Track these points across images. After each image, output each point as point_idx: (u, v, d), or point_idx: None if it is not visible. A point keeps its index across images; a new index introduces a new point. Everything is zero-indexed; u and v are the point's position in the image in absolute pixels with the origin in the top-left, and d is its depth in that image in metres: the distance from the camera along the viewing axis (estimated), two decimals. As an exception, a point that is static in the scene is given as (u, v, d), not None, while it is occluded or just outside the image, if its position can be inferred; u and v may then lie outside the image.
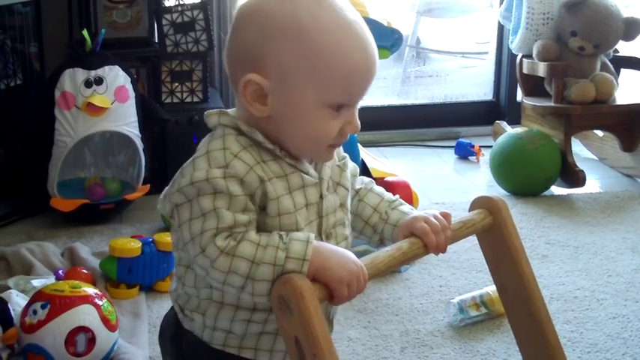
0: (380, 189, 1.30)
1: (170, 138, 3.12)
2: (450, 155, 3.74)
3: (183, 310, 1.19)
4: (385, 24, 3.00)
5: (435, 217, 1.21)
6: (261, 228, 1.11)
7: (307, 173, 1.14)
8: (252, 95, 1.10)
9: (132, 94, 2.86)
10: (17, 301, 2.09)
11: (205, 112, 1.15)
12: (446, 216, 1.23)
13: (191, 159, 1.12)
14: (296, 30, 1.07)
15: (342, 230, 1.20)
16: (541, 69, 3.28)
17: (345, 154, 1.24)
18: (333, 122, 1.10)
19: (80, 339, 1.90)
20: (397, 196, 1.31)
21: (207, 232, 1.06)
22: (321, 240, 1.15)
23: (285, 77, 1.09)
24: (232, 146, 1.09)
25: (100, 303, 1.96)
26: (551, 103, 3.27)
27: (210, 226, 1.06)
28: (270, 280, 1.06)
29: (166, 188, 1.14)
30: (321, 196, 1.16)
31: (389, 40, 2.98)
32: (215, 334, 1.16)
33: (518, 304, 1.32)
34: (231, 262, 1.06)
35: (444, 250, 1.22)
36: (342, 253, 1.10)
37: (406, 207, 1.27)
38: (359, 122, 1.12)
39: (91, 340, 1.91)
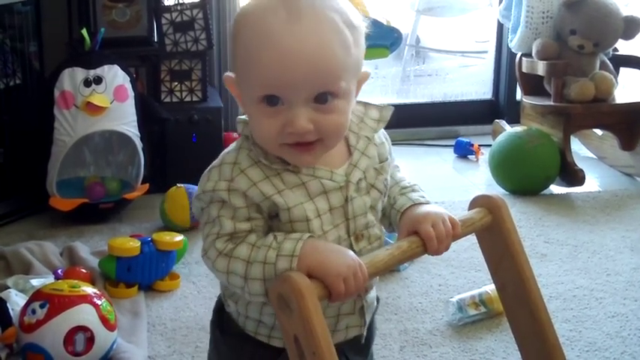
0: (400, 175, 1.29)
1: (169, 137, 3.12)
2: (449, 154, 3.75)
3: (223, 295, 1.25)
4: (385, 23, 3.00)
5: (444, 221, 1.19)
6: (275, 230, 1.14)
7: (330, 178, 1.14)
8: (237, 97, 1.16)
9: (131, 93, 2.87)
10: (16, 300, 2.09)
11: (237, 119, 1.19)
12: (454, 225, 1.21)
13: (210, 167, 1.17)
14: (236, 29, 1.11)
15: (374, 231, 1.20)
16: (540, 68, 3.27)
17: (388, 157, 1.23)
18: (268, 120, 1.08)
19: (79, 338, 1.90)
20: (415, 184, 1.29)
21: (210, 237, 1.13)
22: (350, 241, 1.17)
23: (235, 74, 1.14)
24: (243, 161, 1.13)
25: (99, 302, 1.96)
26: (551, 102, 3.27)
27: (214, 232, 1.13)
28: (262, 279, 1.09)
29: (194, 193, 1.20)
30: (346, 200, 1.16)
31: (388, 38, 2.99)
32: (247, 322, 1.21)
33: (518, 302, 1.32)
34: (229, 263, 1.11)
35: (441, 254, 1.22)
36: (339, 249, 1.11)
37: (416, 194, 1.25)
38: (301, 123, 1.07)
39: (90, 340, 1.92)
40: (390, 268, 1.19)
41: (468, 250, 2.55)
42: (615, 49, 3.43)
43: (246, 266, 1.10)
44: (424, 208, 1.22)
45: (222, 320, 1.26)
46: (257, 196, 1.11)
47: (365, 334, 1.25)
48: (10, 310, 1.99)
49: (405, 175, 1.30)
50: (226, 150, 1.17)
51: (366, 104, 1.22)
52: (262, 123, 1.10)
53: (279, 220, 1.13)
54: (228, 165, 1.14)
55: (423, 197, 1.25)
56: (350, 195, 1.16)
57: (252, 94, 1.09)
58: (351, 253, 1.11)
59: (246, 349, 1.22)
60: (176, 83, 3.17)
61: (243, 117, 1.17)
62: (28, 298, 2.03)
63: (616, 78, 3.32)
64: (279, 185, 1.12)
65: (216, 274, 1.14)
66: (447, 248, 1.21)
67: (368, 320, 1.24)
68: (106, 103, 2.77)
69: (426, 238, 1.19)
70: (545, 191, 3.22)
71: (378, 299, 1.30)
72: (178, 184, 2.83)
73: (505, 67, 4.01)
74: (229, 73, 1.16)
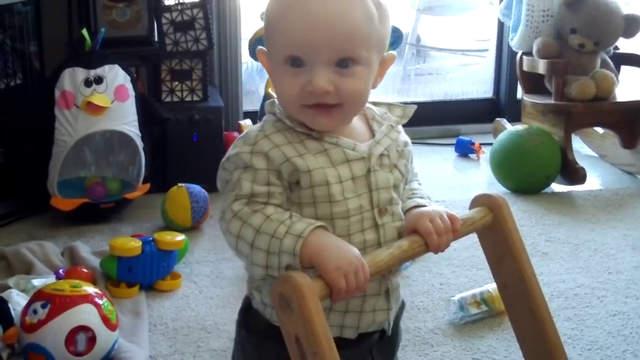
0: (417, 185, 1.32)
1: (170, 137, 3.12)
2: (450, 153, 3.75)
3: (249, 290, 1.27)
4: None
5: (441, 217, 1.21)
6: (295, 200, 1.16)
7: (353, 149, 1.18)
8: (267, 68, 1.22)
9: (132, 93, 2.87)
10: (17, 300, 2.09)
11: (266, 102, 1.24)
12: (453, 220, 1.23)
13: (237, 138, 1.21)
14: None
15: (398, 210, 1.23)
16: (541, 66, 3.27)
17: (408, 141, 1.27)
18: (291, 79, 1.15)
19: (80, 338, 1.90)
20: (426, 194, 1.31)
21: (228, 199, 1.16)
22: (374, 213, 1.19)
23: (265, 43, 1.21)
24: (267, 129, 1.18)
25: (101, 302, 1.96)
26: (552, 101, 3.27)
27: (232, 194, 1.16)
28: (266, 251, 1.11)
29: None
30: (369, 171, 1.19)
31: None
32: (274, 312, 1.20)
33: (519, 301, 1.32)
34: (241, 227, 1.13)
35: (443, 250, 1.22)
36: (344, 245, 1.12)
37: (422, 200, 1.28)
38: (320, 82, 1.12)
39: (92, 340, 1.91)
40: (391, 268, 1.19)
41: (469, 248, 2.55)
42: (616, 48, 3.43)
43: (255, 235, 1.12)
44: (423, 208, 1.24)
45: (248, 318, 1.28)
46: (278, 157, 1.14)
47: (391, 323, 1.26)
48: (12, 310, 1.99)
49: (422, 188, 1.32)
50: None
51: (389, 105, 1.27)
52: (285, 83, 1.16)
53: (299, 188, 1.15)
54: (253, 132, 1.18)
55: (429, 203, 1.27)
56: (372, 166, 1.19)
57: (278, 55, 1.15)
58: (356, 251, 1.11)
59: (271, 347, 1.22)
60: (177, 83, 3.17)
61: (273, 99, 1.23)
62: (29, 298, 2.03)
63: (617, 76, 3.32)
64: (301, 149, 1.16)
65: (228, 238, 1.15)
66: (447, 244, 1.22)
67: (394, 307, 1.26)
68: (106, 102, 2.77)
69: (425, 234, 1.20)
70: (547, 190, 3.22)
71: (403, 302, 1.32)
72: (179, 184, 2.83)
73: (506, 65, 4.02)
74: (262, 47, 1.22)
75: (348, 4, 1.12)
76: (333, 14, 1.11)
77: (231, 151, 1.18)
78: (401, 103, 1.29)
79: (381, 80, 1.23)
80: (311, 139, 1.17)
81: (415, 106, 1.28)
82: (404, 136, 1.27)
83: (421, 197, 1.28)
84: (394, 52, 1.23)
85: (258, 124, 1.21)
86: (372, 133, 1.22)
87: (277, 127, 1.18)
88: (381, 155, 1.20)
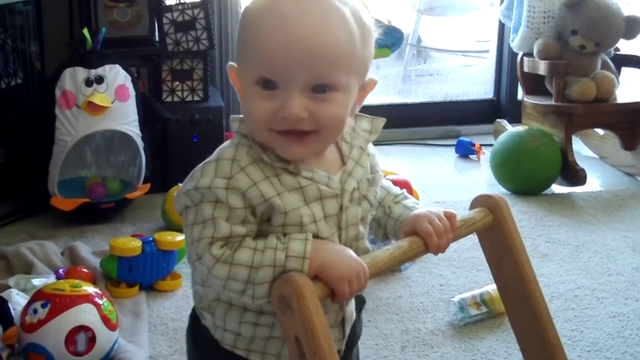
0: (387, 183, 1.29)
1: (171, 137, 3.12)
2: (450, 154, 3.74)
3: (197, 308, 1.21)
4: (386, 22, 3.00)
5: (439, 218, 1.20)
6: (263, 235, 1.10)
7: (327, 185, 1.12)
8: (237, 87, 1.13)
9: (132, 92, 2.87)
10: (17, 300, 2.09)
11: (231, 117, 1.16)
12: (450, 218, 1.22)
13: (204, 162, 1.12)
14: (247, 7, 1.10)
15: (363, 244, 1.18)
16: (542, 67, 3.28)
17: (377, 164, 1.22)
18: (263, 102, 1.06)
19: (80, 338, 1.91)
20: (404, 190, 1.30)
21: (203, 240, 1.08)
22: None
23: (237, 60, 1.12)
24: (242, 159, 1.09)
25: (101, 302, 1.96)
26: (552, 102, 3.27)
27: (207, 234, 1.08)
28: (270, 282, 1.07)
29: (181, 187, 1.15)
30: (341, 208, 1.13)
31: (390, 38, 2.99)
32: (225, 335, 1.17)
33: (519, 302, 1.32)
34: (230, 269, 1.07)
35: (443, 251, 1.22)
36: (342, 250, 1.11)
37: (410, 201, 1.26)
38: (294, 108, 1.04)
39: (92, 339, 1.92)
40: (391, 269, 1.19)
41: (469, 249, 2.55)
42: (617, 49, 3.43)
43: (250, 272, 1.06)
44: (419, 210, 1.23)
45: (197, 333, 1.21)
46: (256, 197, 1.07)
47: (343, 347, 1.23)
48: (12, 310, 1.99)
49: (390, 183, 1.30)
50: (222, 146, 1.13)
51: (356, 115, 1.19)
52: (255, 104, 1.07)
53: (269, 224, 1.10)
54: (226, 161, 1.09)
55: (417, 204, 1.26)
56: (344, 204, 1.14)
57: (250, 74, 1.07)
58: (353, 254, 1.11)
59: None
60: (177, 83, 3.17)
61: (239, 116, 1.14)
62: (29, 297, 2.04)
63: (617, 78, 3.32)
64: (278, 187, 1.08)
65: (213, 281, 1.09)
66: (447, 244, 1.21)
67: (347, 333, 1.22)
68: (107, 102, 2.77)
69: (424, 235, 1.19)
70: (547, 191, 3.22)
71: (363, 299, 1.28)
72: (180, 184, 2.82)
73: (506, 66, 4.01)
74: (232, 63, 1.14)
75: (329, 25, 1.04)
76: (311, 34, 1.03)
77: (200, 181, 1.09)
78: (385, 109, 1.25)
79: (359, 106, 1.16)
80: (287, 174, 1.09)
81: (384, 119, 1.20)
82: (374, 159, 1.21)
83: (405, 198, 1.27)
84: (375, 78, 1.16)
85: (230, 148, 1.11)
86: (342, 158, 1.16)
87: (252, 156, 1.09)
88: (353, 189, 1.14)
